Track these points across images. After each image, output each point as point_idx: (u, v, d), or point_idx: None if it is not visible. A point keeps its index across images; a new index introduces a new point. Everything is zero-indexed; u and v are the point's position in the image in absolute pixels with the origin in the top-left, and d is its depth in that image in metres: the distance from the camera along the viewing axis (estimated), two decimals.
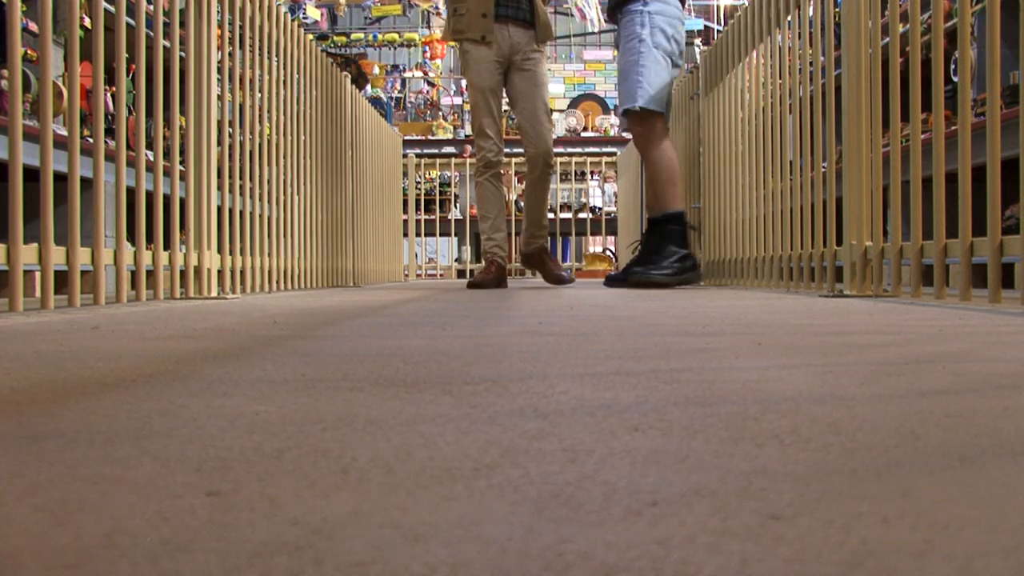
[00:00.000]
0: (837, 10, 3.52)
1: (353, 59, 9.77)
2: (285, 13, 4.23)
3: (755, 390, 0.82)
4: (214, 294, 3.21)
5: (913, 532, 0.40)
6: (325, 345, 1.30)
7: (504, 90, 4.55)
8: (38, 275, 2.31)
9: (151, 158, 3.89)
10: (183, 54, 3.14)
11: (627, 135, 5.57)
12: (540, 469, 0.52)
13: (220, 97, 3.58)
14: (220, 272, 3.30)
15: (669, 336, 1.47)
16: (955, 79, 2.90)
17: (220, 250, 3.34)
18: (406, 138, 9.56)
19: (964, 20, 2.41)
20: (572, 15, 12.45)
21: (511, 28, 4.40)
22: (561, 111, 11.07)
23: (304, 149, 4.48)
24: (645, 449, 0.57)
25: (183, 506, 0.44)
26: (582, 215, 9.74)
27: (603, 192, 10.18)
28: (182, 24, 3.14)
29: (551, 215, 9.39)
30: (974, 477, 0.50)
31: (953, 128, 2.70)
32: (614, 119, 10.73)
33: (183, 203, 3.10)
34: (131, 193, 2.76)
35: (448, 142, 10.25)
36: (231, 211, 3.52)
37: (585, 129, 10.65)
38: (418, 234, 8.95)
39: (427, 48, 12.71)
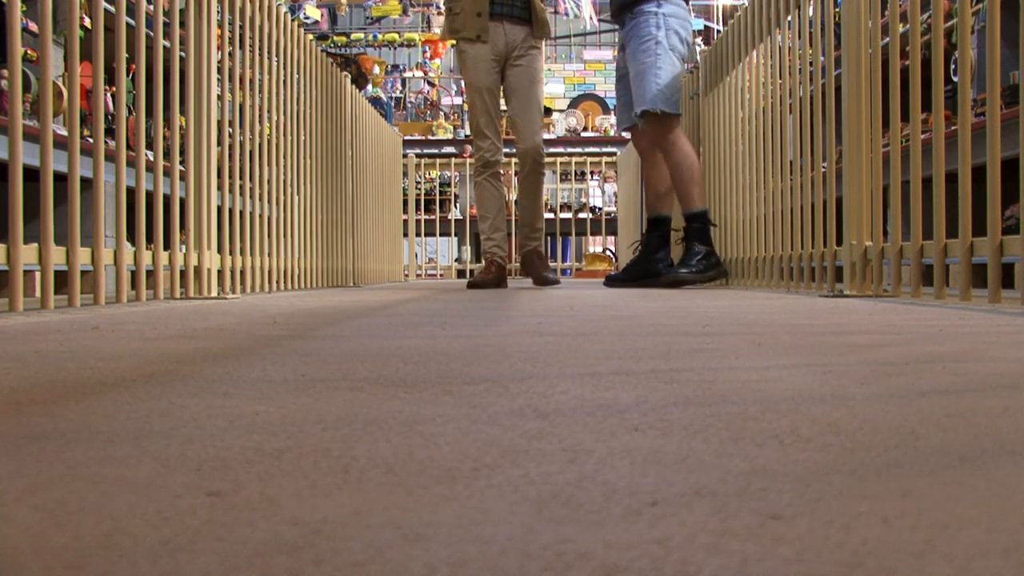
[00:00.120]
0: (837, 10, 3.52)
1: (353, 59, 9.77)
2: (285, 13, 4.23)
3: (755, 390, 0.82)
4: (214, 294, 3.21)
5: (913, 532, 0.40)
6: (325, 345, 1.30)
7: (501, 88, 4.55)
8: (38, 275, 2.31)
9: (151, 158, 3.89)
10: (183, 54, 3.14)
11: (627, 135, 5.57)
12: (540, 469, 0.52)
13: (220, 97, 3.58)
14: (220, 272, 3.30)
15: (669, 336, 1.47)
16: (955, 79, 2.90)
17: (220, 250, 3.34)
18: (406, 138, 9.56)
19: (964, 20, 2.41)
20: (567, 15, 12.46)
21: (506, 25, 4.39)
22: (561, 111, 11.06)
23: (304, 149, 4.48)
24: (645, 449, 0.57)
25: (183, 506, 0.44)
26: (582, 215, 9.74)
27: (603, 192, 10.18)
28: (182, 24, 3.14)
29: (551, 215, 9.44)
30: (974, 477, 0.50)
31: (953, 128, 2.70)
32: (614, 119, 10.73)
33: (183, 203, 3.10)
34: (131, 193, 2.76)
35: (448, 142, 10.25)
36: (231, 211, 3.52)
37: (585, 129, 10.65)
38: (418, 234, 8.95)
39: (427, 48, 12.71)
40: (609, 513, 0.43)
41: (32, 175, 2.43)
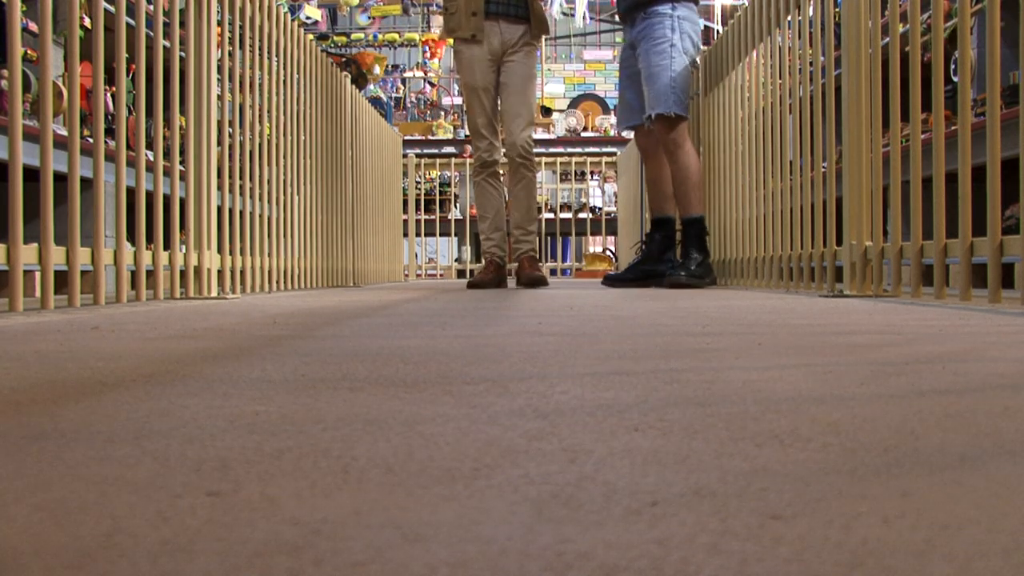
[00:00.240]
0: (837, 10, 3.52)
1: (353, 59, 9.76)
2: (285, 13, 4.23)
3: (755, 390, 0.82)
4: (214, 294, 3.21)
5: (913, 532, 0.40)
6: (325, 345, 1.30)
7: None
8: (38, 275, 2.31)
9: (151, 158, 3.89)
10: (183, 54, 3.14)
11: (627, 135, 5.57)
12: (540, 469, 0.52)
13: (220, 97, 3.58)
14: (220, 272, 3.30)
15: (669, 336, 1.47)
16: (955, 79, 2.90)
17: (220, 250, 3.34)
18: (406, 138, 9.56)
19: (964, 20, 2.41)
20: (559, 12, 12.46)
21: (502, 24, 4.38)
22: (561, 111, 11.07)
23: (304, 149, 4.48)
24: (645, 449, 0.57)
25: (183, 506, 0.44)
26: (582, 215, 9.75)
27: (603, 192, 10.19)
28: (182, 24, 3.14)
29: (551, 215, 9.44)
30: (974, 477, 0.50)
31: (953, 128, 2.71)
32: (614, 119, 10.73)
33: (183, 203, 3.10)
34: (131, 193, 2.76)
35: (448, 142, 10.26)
36: (231, 211, 3.52)
37: (585, 129, 10.65)
38: (418, 234, 8.95)
39: (427, 48, 12.72)
40: (609, 513, 0.43)
41: (32, 175, 2.43)
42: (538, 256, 4.58)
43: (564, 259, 10.23)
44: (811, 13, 3.62)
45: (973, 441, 0.60)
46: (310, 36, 4.77)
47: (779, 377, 0.92)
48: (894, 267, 2.80)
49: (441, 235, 9.23)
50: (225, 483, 0.49)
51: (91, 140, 2.55)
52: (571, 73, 13.82)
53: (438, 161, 9.18)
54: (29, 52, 3.76)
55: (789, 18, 3.77)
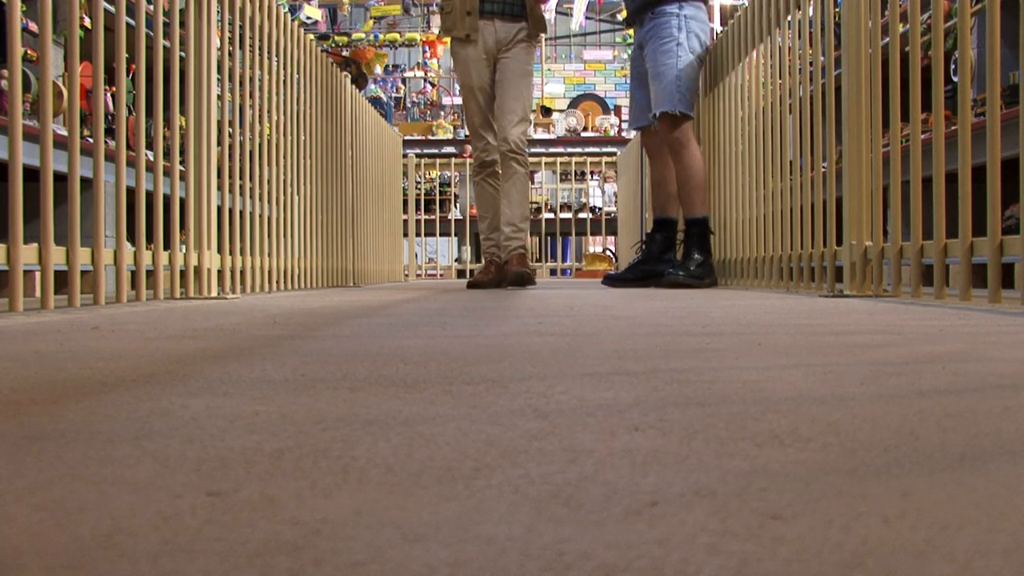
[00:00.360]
0: (837, 10, 3.52)
1: (353, 59, 9.77)
2: (285, 13, 4.23)
3: (755, 390, 0.82)
4: (214, 294, 3.21)
5: (913, 532, 0.40)
6: (325, 345, 1.30)
7: None
8: (38, 275, 2.31)
9: (151, 158, 3.89)
10: (183, 54, 3.14)
11: (627, 135, 5.58)
12: (540, 469, 0.52)
13: (220, 97, 3.58)
14: (220, 272, 3.30)
15: (669, 336, 1.47)
16: (955, 79, 2.90)
17: (220, 250, 3.34)
18: (406, 138, 9.56)
19: (964, 20, 2.41)
20: (563, 15, 12.48)
21: (497, 23, 4.37)
22: (561, 111, 11.07)
23: (304, 149, 4.48)
24: (645, 449, 0.57)
25: (183, 506, 0.44)
26: (582, 215, 9.75)
27: (603, 192, 10.19)
28: (182, 24, 3.14)
29: (550, 215, 9.45)
30: (974, 477, 0.50)
31: (953, 128, 2.70)
32: (614, 119, 10.74)
33: (183, 203, 3.10)
34: (131, 193, 2.76)
35: (448, 142, 10.26)
36: (231, 211, 3.52)
37: (585, 129, 10.66)
38: (418, 234, 8.95)
39: (427, 48, 12.72)
40: (609, 513, 0.43)
41: (32, 175, 2.43)
42: (528, 255, 4.48)
43: (564, 259, 10.23)
44: (811, 13, 3.62)
45: (973, 441, 0.60)
46: (310, 36, 4.77)
47: (779, 377, 0.92)
48: (894, 267, 2.80)
49: (441, 235, 9.23)
50: (225, 483, 0.49)
51: (91, 140, 2.55)
52: (571, 73, 13.82)
53: (438, 161, 9.18)
54: (29, 52, 3.76)
55: (789, 18, 3.77)
